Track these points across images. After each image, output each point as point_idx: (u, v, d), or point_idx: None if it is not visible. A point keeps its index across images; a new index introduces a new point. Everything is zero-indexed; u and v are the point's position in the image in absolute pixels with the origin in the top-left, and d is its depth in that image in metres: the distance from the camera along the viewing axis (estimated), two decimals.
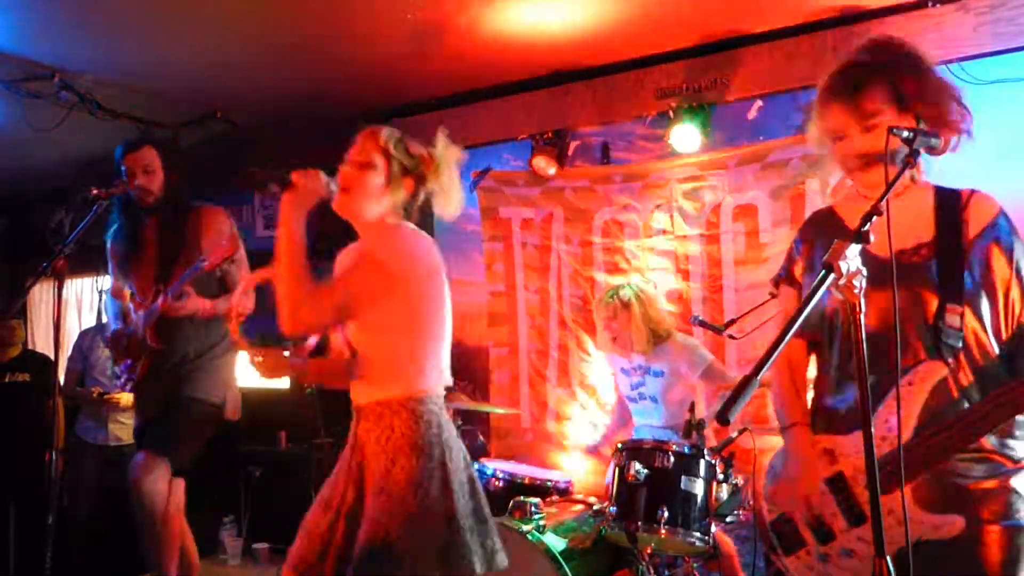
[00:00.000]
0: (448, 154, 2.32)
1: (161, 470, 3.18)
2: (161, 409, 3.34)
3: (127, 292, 3.55)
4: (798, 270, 2.07)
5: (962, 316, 1.79)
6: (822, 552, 1.92)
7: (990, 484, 1.77)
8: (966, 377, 1.81)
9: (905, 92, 1.83)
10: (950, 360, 1.80)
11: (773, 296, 2.24)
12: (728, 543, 3.54)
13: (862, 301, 1.45)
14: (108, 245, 3.52)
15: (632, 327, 3.89)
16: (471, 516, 2.16)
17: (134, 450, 3.39)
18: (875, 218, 1.49)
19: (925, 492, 1.78)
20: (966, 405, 1.79)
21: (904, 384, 1.79)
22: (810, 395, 2.08)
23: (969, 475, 1.77)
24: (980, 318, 1.82)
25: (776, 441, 3.56)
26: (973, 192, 1.91)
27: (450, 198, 2.33)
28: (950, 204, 1.89)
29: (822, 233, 2.01)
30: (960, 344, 1.79)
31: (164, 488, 3.19)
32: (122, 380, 3.53)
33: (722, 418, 1.34)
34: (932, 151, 1.73)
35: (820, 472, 1.93)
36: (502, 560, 2.19)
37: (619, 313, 3.91)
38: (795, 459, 1.99)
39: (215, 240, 3.24)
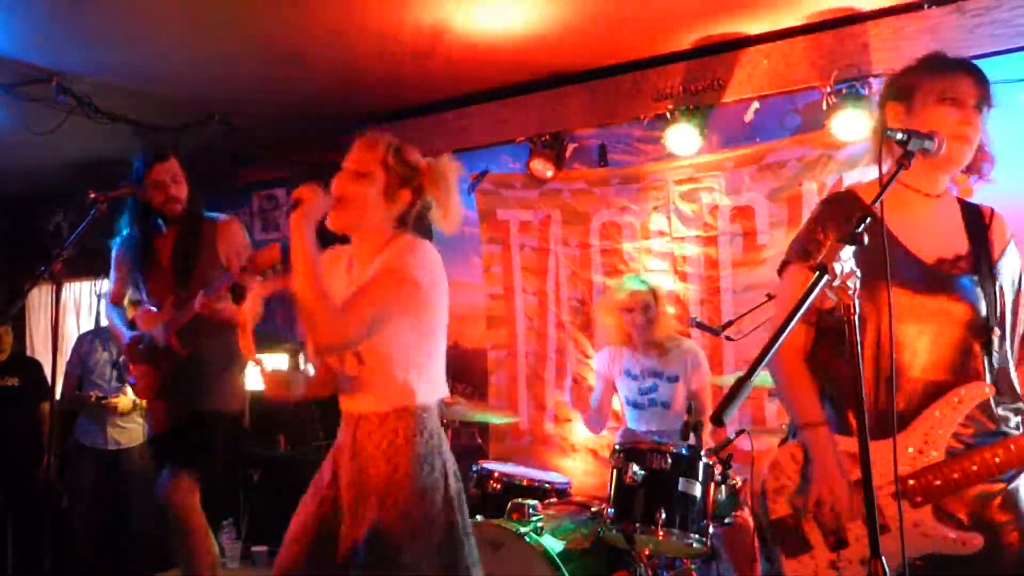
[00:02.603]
0: (447, 166, 2.25)
1: (190, 485, 3.24)
2: (180, 421, 3.32)
3: (127, 298, 3.54)
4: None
5: (1000, 338, 1.81)
6: (830, 560, 1.85)
7: (1002, 486, 1.77)
8: (999, 400, 1.82)
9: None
10: (991, 381, 1.80)
11: (770, 298, 2.22)
12: (748, 520, 3.50)
13: (856, 303, 1.45)
14: (115, 252, 3.50)
15: (660, 316, 3.84)
16: (464, 529, 2.18)
17: (135, 457, 3.37)
18: (868, 219, 1.49)
19: (950, 510, 1.77)
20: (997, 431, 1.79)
21: (952, 399, 1.77)
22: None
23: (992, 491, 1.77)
24: (1011, 343, 1.83)
25: (773, 442, 3.59)
26: (993, 211, 1.92)
27: (448, 211, 2.25)
28: (976, 220, 1.90)
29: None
30: (998, 366, 1.81)
31: (196, 502, 3.24)
32: (132, 386, 3.51)
33: (716, 419, 1.34)
34: (927, 153, 1.73)
35: (844, 476, 1.82)
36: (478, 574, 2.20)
37: (649, 302, 3.80)
38: (818, 461, 1.86)
39: (239, 250, 3.34)
